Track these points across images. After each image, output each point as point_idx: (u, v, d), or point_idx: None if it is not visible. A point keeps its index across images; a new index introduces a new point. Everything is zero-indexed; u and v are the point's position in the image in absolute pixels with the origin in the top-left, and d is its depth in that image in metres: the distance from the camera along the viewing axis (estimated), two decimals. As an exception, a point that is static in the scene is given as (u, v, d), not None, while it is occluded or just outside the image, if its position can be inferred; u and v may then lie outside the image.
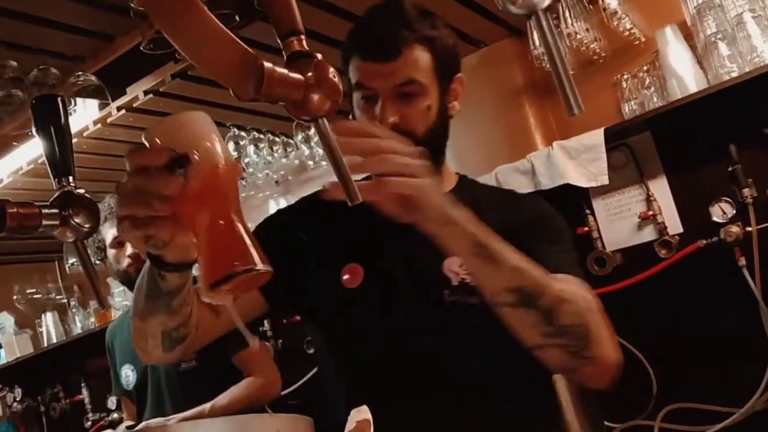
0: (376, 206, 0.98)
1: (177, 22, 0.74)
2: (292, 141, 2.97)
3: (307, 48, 0.79)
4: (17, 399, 3.98)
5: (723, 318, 2.14)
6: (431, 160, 1.22)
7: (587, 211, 2.41)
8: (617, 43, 2.40)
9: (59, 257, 3.85)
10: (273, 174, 3.04)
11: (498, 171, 2.41)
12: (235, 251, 0.69)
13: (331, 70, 0.78)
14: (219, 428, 1.06)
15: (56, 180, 1.03)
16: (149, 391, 2.31)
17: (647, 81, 2.35)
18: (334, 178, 0.82)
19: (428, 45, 1.19)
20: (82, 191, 1.01)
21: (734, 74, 2.05)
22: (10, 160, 2.51)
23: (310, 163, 2.97)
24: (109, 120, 2.37)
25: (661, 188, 2.31)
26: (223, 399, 2.11)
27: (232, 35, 0.73)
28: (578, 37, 2.28)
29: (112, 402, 3.36)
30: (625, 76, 2.42)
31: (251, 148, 2.82)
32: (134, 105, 2.31)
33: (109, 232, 2.24)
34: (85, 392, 3.74)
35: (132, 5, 1.67)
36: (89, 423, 3.65)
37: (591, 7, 2.34)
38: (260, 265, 0.68)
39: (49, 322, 3.82)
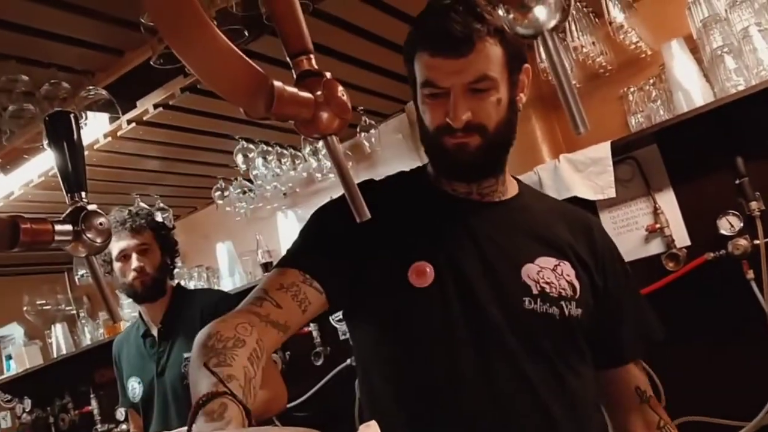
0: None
1: (188, 41, 0.75)
2: (300, 154, 2.99)
3: (316, 66, 0.81)
4: (27, 410, 4.00)
5: (731, 331, 2.14)
6: (500, 155, 1.23)
7: (594, 223, 2.41)
8: (623, 56, 2.41)
9: (69, 269, 3.87)
10: (281, 186, 3.06)
11: (505, 183, 2.41)
12: None
13: (340, 88, 0.80)
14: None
15: (69, 195, 1.04)
16: (155, 403, 2.31)
17: (654, 94, 2.36)
18: (342, 191, 0.84)
19: (499, 37, 1.12)
20: (94, 207, 1.02)
21: (741, 87, 2.05)
22: (22, 173, 2.53)
23: (318, 175, 3.00)
24: (119, 133, 2.39)
25: (668, 201, 2.32)
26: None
27: (243, 55, 0.74)
28: (584, 50, 2.30)
29: (120, 413, 3.37)
30: (632, 90, 2.43)
31: (260, 161, 2.84)
32: (144, 118, 2.33)
33: (115, 246, 2.24)
34: (94, 403, 3.76)
35: (142, 20, 1.69)
36: (98, 434, 3.67)
37: (597, 20, 2.35)
38: None
39: (58, 333, 3.84)
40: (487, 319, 1.14)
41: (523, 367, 1.12)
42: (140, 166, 2.80)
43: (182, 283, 2.92)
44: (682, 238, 2.29)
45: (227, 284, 3.23)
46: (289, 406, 2.42)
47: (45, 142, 2.06)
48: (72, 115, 1.08)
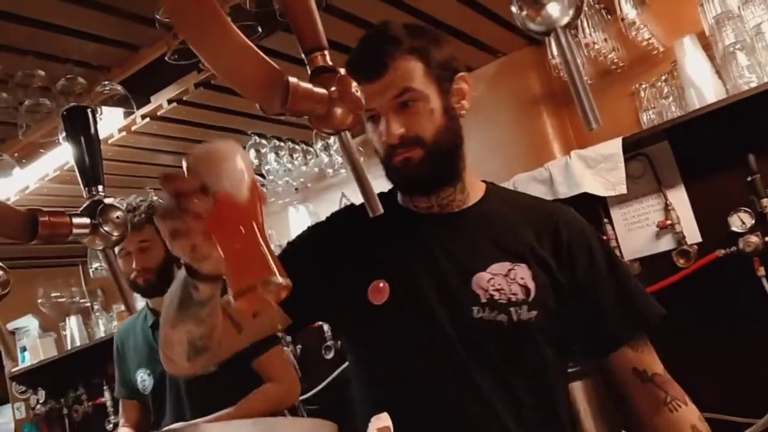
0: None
1: (204, 37, 0.76)
2: (311, 149, 3.00)
3: (331, 63, 0.82)
4: (40, 401, 4.04)
5: (741, 328, 2.14)
6: (447, 163, 1.25)
7: (605, 220, 2.41)
8: (635, 52, 2.41)
9: (83, 261, 3.89)
10: (293, 181, 3.07)
11: (516, 180, 2.42)
12: (257, 265, 0.76)
13: (354, 84, 0.81)
14: (247, 429, 1.08)
15: (86, 189, 1.06)
16: (168, 396, 2.27)
17: (665, 91, 2.35)
18: (354, 186, 0.85)
19: (416, 54, 1.20)
20: (111, 200, 1.04)
21: (753, 84, 2.05)
22: (38, 167, 2.56)
23: (330, 170, 3.00)
24: (133, 128, 2.41)
25: (679, 198, 2.32)
26: (242, 405, 2.11)
27: (258, 50, 0.75)
28: (596, 47, 2.30)
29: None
30: (644, 86, 2.43)
31: (272, 156, 2.86)
32: (158, 113, 2.35)
33: None
34: (107, 395, 3.78)
35: (157, 16, 1.70)
36: (111, 426, 3.69)
37: (609, 17, 2.35)
38: (279, 279, 0.75)
39: (72, 325, 3.87)
40: (438, 333, 1.18)
41: (472, 377, 1.15)
42: (154, 161, 2.81)
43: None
44: (693, 234, 2.29)
45: (239, 277, 3.23)
46: (300, 398, 2.43)
47: (61, 136, 2.09)
48: (89, 110, 1.10)
